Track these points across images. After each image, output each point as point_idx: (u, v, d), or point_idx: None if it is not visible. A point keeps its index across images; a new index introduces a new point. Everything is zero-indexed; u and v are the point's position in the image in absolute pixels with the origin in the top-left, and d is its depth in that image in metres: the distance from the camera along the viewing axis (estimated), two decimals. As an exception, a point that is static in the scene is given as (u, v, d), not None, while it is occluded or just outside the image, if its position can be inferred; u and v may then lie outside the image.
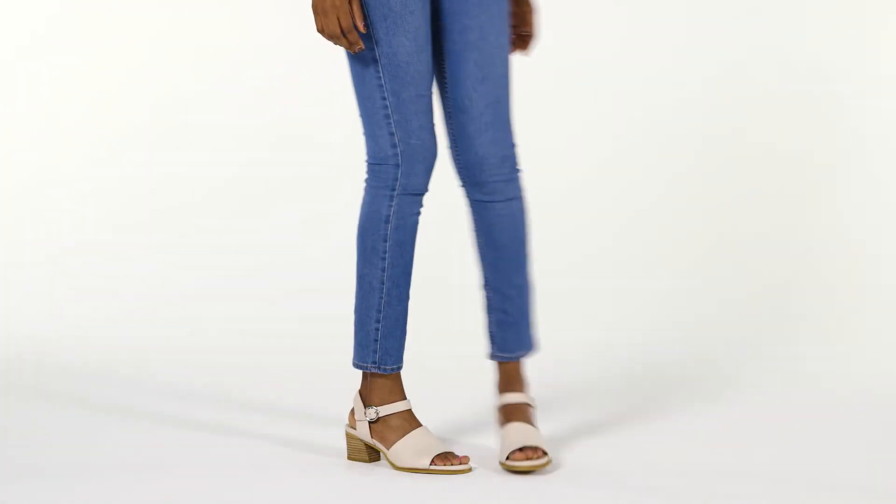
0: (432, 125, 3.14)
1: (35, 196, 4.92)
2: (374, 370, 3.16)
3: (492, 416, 3.37)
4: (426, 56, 3.10)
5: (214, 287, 4.66)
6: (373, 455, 3.19)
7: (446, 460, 3.10)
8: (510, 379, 3.23)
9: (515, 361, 3.23)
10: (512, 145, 3.18)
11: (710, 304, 4.51)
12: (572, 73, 4.82)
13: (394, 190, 3.12)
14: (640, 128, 4.85)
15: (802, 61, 4.86)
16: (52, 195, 4.91)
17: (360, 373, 3.23)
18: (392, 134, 3.09)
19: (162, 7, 5.02)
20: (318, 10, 3.04)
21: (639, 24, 4.84)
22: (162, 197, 4.90)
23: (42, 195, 4.91)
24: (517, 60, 3.36)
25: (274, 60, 5.00)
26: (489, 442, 3.29)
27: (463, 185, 3.21)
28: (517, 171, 3.19)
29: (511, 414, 3.17)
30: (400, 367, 3.18)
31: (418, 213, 3.17)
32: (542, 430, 3.28)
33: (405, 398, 3.19)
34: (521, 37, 3.24)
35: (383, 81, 3.09)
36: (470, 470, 3.10)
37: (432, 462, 3.10)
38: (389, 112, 3.09)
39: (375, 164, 3.13)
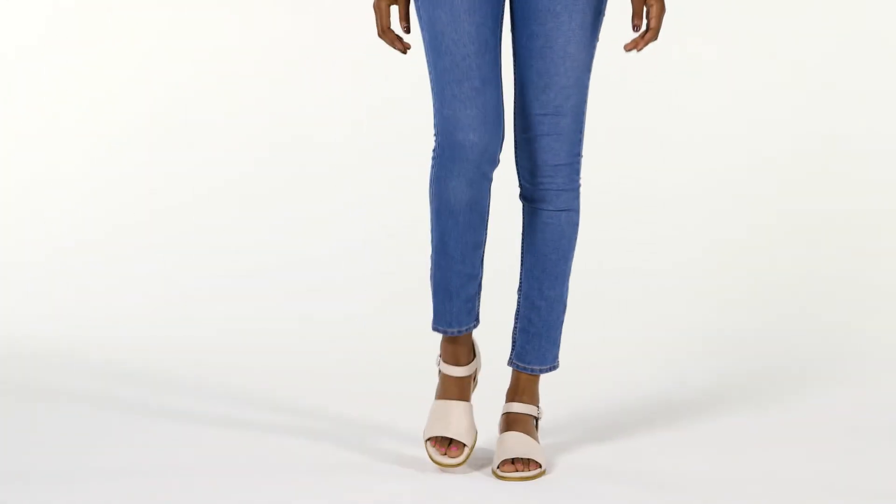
0: (473, 97, 3.04)
1: (35, 196, 4.91)
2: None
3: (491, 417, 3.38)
4: (467, 27, 3.02)
5: (214, 287, 4.65)
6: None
7: (439, 446, 3.09)
8: (519, 388, 3.22)
9: (529, 374, 3.23)
10: (572, 156, 3.12)
11: (715, 309, 4.52)
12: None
13: (434, 158, 3.10)
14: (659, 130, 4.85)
15: (804, 60, 4.87)
16: (52, 195, 4.91)
17: (361, 375, 3.24)
18: (434, 106, 3.07)
19: (162, 7, 5.02)
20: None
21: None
22: (162, 197, 4.90)
23: (42, 195, 4.91)
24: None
25: (274, 60, 5.00)
26: (490, 444, 3.29)
27: (519, 186, 3.20)
28: (574, 183, 3.15)
29: (512, 423, 3.17)
30: (447, 332, 3.19)
31: (459, 183, 3.07)
32: (545, 441, 3.28)
33: (460, 365, 3.20)
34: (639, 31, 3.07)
35: (427, 55, 3.07)
36: (458, 465, 3.09)
37: (428, 440, 3.10)
38: (432, 85, 3.07)
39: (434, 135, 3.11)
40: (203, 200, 4.88)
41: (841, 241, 4.66)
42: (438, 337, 3.26)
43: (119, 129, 4.97)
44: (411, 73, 4.54)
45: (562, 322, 3.22)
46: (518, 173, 3.18)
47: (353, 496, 2.96)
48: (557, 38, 3.05)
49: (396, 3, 3.09)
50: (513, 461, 3.06)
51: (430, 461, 3.11)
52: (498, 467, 3.07)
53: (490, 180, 3.10)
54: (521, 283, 3.23)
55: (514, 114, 3.14)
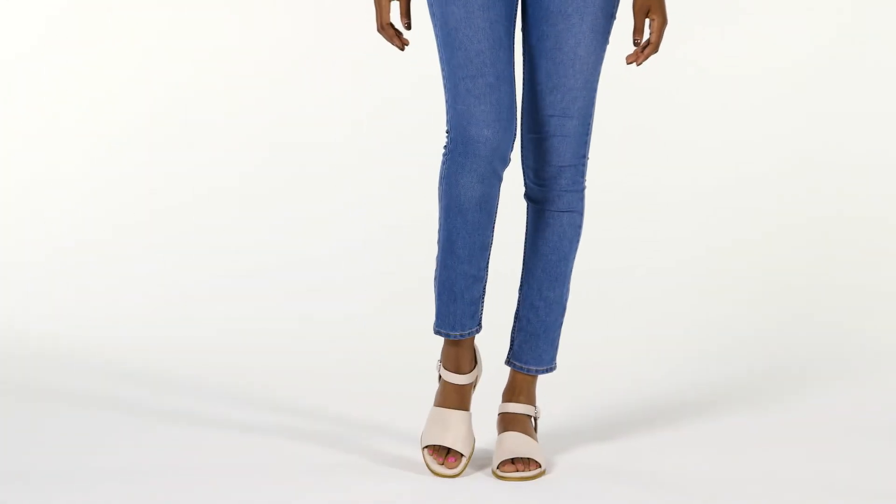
0: (487, 93, 3.03)
1: (35, 196, 4.91)
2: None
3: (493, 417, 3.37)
4: (481, 23, 3.03)
5: (214, 287, 4.65)
6: None
7: (437, 456, 3.09)
8: (516, 388, 3.22)
9: (525, 374, 3.22)
10: (577, 158, 3.12)
11: (716, 309, 4.52)
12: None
13: (445, 154, 3.09)
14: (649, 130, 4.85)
15: (807, 59, 4.87)
16: (52, 195, 4.91)
17: (361, 375, 3.24)
18: (447, 101, 3.06)
19: (162, 7, 5.02)
20: None
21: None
22: (162, 197, 4.90)
23: (42, 195, 4.91)
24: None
25: (274, 60, 5.00)
26: (490, 445, 3.29)
27: (524, 185, 3.20)
28: (578, 185, 3.14)
29: (510, 423, 3.16)
30: (449, 335, 3.18)
31: (469, 179, 3.06)
32: (543, 440, 3.28)
33: (462, 373, 3.18)
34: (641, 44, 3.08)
35: (440, 52, 3.07)
36: (455, 476, 3.09)
37: (425, 448, 3.10)
38: (445, 81, 3.07)
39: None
40: (203, 200, 4.88)
41: (842, 242, 4.66)
42: (439, 338, 3.25)
43: (119, 129, 4.97)
44: (411, 73, 4.55)
45: (560, 324, 3.21)
46: (524, 173, 3.18)
47: (353, 496, 2.96)
48: (567, 39, 3.06)
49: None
50: (513, 461, 3.06)
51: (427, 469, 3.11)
52: (498, 467, 3.07)
53: (500, 179, 3.08)
54: (521, 282, 3.23)
55: (522, 114, 3.14)
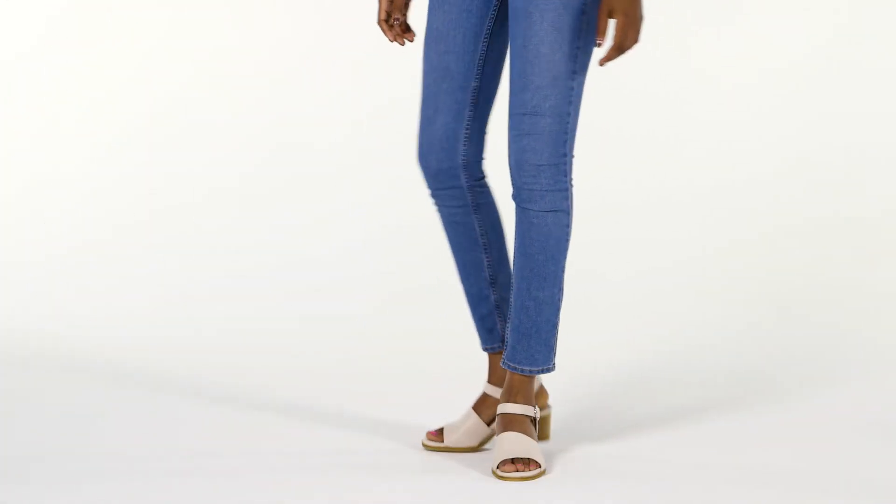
0: (426, 126, 3.18)
1: (35, 196, 4.92)
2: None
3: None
4: (432, 56, 3.15)
5: (214, 287, 4.66)
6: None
7: (432, 433, 3.25)
8: (513, 389, 3.21)
9: (520, 374, 3.22)
10: (557, 157, 3.10)
11: (716, 309, 4.52)
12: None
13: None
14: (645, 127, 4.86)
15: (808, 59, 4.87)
16: (52, 195, 4.91)
17: (361, 375, 3.24)
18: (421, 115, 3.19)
19: (162, 7, 5.02)
20: None
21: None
22: (162, 197, 4.90)
23: (42, 195, 4.91)
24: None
25: (274, 61, 5.00)
26: (490, 445, 3.29)
27: (512, 186, 3.20)
28: (560, 184, 3.12)
29: (508, 424, 3.16)
30: (486, 349, 3.29)
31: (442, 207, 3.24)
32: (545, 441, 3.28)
33: (488, 381, 3.29)
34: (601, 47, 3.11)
35: (424, 55, 3.18)
36: (427, 447, 3.19)
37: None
38: (422, 88, 3.20)
39: None
40: (203, 201, 4.88)
41: (838, 242, 4.66)
42: (438, 338, 3.27)
43: (119, 129, 4.97)
44: (412, 73, 4.55)
45: (554, 324, 3.20)
46: (510, 174, 3.18)
47: (353, 496, 2.96)
48: (531, 38, 3.06)
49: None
50: (513, 461, 3.06)
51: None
52: (498, 467, 3.07)
53: (465, 202, 3.18)
54: (513, 283, 3.23)
55: (508, 114, 3.16)
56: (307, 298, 4.59)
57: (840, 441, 3.42)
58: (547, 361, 3.20)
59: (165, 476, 3.06)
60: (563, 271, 3.18)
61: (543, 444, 3.22)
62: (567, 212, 3.14)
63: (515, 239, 3.20)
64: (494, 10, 3.16)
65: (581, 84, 3.10)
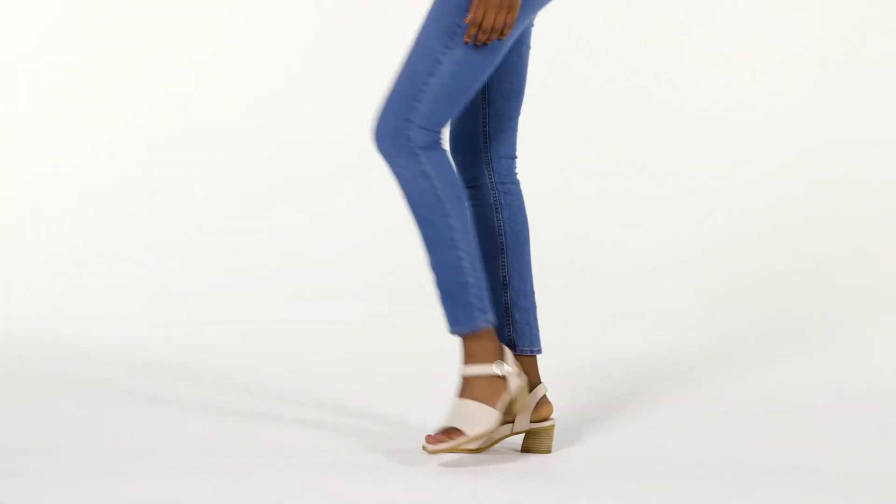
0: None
1: (35, 196, 4.92)
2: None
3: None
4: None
5: (214, 287, 4.66)
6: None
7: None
8: (462, 352, 3.16)
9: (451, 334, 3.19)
10: (400, 120, 3.09)
11: (716, 309, 4.52)
12: (568, 73, 4.83)
13: None
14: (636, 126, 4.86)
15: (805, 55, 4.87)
16: (52, 195, 4.91)
17: (361, 375, 3.22)
18: None
19: (162, 7, 5.02)
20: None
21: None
22: (162, 197, 4.90)
23: (42, 195, 4.91)
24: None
25: (274, 61, 5.00)
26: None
27: None
28: (400, 144, 3.09)
29: (459, 389, 3.13)
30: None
31: None
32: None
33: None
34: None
35: None
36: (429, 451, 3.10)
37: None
38: None
39: None
40: (203, 200, 4.88)
41: (842, 242, 4.66)
42: (438, 338, 3.25)
43: (119, 129, 4.97)
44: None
45: (464, 284, 3.11)
46: None
47: (353, 496, 2.96)
48: (422, 22, 3.11)
49: None
50: (439, 432, 3.05)
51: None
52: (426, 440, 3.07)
53: (485, 203, 3.24)
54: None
55: None
56: (307, 298, 4.59)
57: (840, 441, 3.42)
58: (469, 320, 3.14)
59: (165, 476, 3.06)
60: (450, 230, 3.13)
61: (544, 457, 3.21)
62: (426, 175, 3.11)
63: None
64: None
65: (455, 61, 3.06)
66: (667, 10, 4.87)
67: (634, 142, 4.87)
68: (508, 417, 3.18)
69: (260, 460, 3.19)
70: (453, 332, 3.14)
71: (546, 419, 3.27)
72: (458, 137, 3.25)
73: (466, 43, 3.05)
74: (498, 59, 3.09)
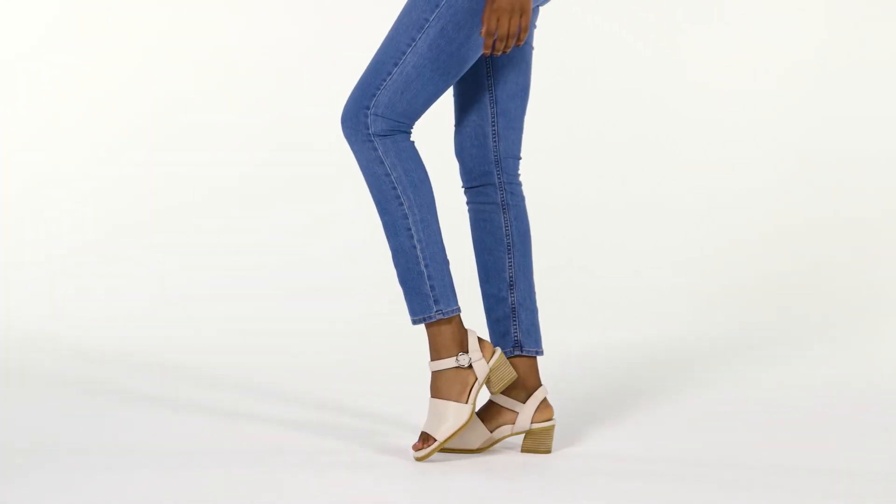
0: (473, 104, 3.28)
1: (35, 196, 4.92)
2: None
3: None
4: None
5: (214, 287, 4.66)
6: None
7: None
8: (429, 346, 3.19)
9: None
10: (358, 107, 3.19)
11: (715, 310, 4.52)
12: (569, 74, 4.83)
13: None
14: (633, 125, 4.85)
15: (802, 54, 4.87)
16: (52, 195, 4.91)
17: (361, 375, 3.23)
18: None
19: (162, 7, 5.02)
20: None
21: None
22: (162, 197, 4.90)
23: (42, 195, 4.91)
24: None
25: (274, 61, 5.00)
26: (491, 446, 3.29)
27: None
28: (359, 126, 3.19)
29: (431, 388, 3.17)
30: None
31: None
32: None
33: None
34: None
35: None
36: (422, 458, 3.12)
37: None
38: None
39: None
40: (203, 200, 4.88)
41: (842, 242, 4.66)
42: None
43: (119, 129, 4.97)
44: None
45: (418, 272, 3.15)
46: None
47: (353, 496, 2.96)
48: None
49: None
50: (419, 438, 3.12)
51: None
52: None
53: (493, 202, 3.25)
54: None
55: None
56: (307, 298, 4.59)
57: (840, 441, 3.42)
58: (424, 310, 3.17)
59: (165, 475, 3.06)
60: (404, 218, 3.19)
61: (544, 457, 3.21)
62: (380, 162, 3.15)
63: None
64: None
65: (419, 54, 3.09)
66: (665, 11, 4.87)
67: (633, 142, 4.87)
68: (496, 388, 3.18)
69: (259, 459, 3.19)
70: (412, 321, 3.17)
71: (547, 420, 3.28)
72: (467, 138, 3.26)
73: (486, 55, 3.08)
74: (469, 56, 3.09)
